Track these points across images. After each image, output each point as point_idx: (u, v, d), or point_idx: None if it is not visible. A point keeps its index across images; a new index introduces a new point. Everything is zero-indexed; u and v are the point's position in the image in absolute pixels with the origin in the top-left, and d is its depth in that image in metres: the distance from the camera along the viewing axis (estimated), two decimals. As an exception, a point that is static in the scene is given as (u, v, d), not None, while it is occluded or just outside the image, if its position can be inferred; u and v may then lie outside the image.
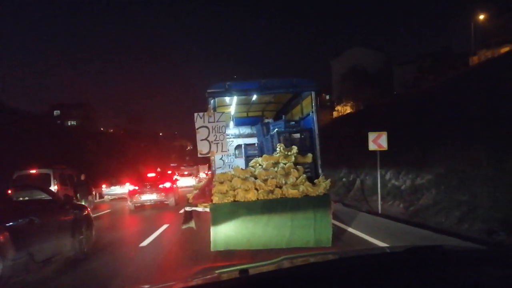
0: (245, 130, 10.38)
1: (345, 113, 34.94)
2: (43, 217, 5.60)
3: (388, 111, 18.81)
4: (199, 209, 6.43)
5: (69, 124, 52.27)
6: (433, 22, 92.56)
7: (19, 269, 4.75)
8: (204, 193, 6.30)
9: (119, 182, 22.10)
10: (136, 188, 15.42)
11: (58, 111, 55.36)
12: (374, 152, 10.38)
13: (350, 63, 37.47)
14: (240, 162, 9.28)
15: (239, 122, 10.50)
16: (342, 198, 13.78)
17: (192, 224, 7.17)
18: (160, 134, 76.95)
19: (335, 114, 40.69)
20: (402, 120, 15.22)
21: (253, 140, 10.21)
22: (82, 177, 13.65)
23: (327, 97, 50.49)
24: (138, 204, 15.23)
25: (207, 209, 6.32)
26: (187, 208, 6.65)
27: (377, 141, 9.92)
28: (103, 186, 22.78)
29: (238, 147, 10.08)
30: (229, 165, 9.51)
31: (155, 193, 15.21)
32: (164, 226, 9.66)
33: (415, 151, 12.10)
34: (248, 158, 9.42)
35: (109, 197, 21.98)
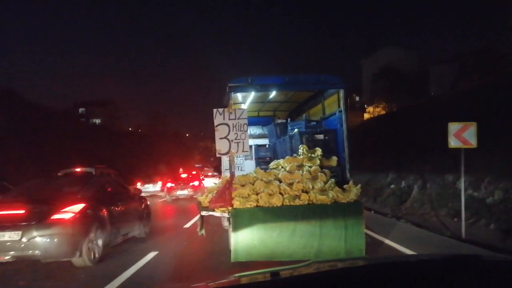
0: (256, 130, 9.82)
1: (378, 114, 33.34)
2: (123, 204, 7.51)
3: (440, 108, 16.32)
4: (217, 214, 5.85)
5: (94, 122, 52.32)
6: (474, 19, 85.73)
7: (112, 239, 6.71)
8: (223, 196, 5.70)
9: (152, 181, 25.27)
10: (173, 185, 20.72)
11: (83, 109, 55.62)
12: (433, 153, 9.17)
13: (382, 63, 36.21)
14: (250, 164, 8.72)
15: (250, 122, 9.88)
16: (394, 210, 11.04)
17: (203, 231, 6.59)
18: (187, 135, 77.94)
19: (366, 116, 39.34)
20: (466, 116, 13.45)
21: (264, 141, 9.67)
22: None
23: (357, 98, 49.38)
24: (174, 198, 20.01)
25: (225, 214, 5.75)
26: (204, 213, 6.05)
27: (461, 135, 7.31)
28: (138, 184, 24.10)
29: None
30: (238, 167, 8.93)
31: (186, 189, 20.26)
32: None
33: (501, 153, 9.21)
34: (258, 160, 8.89)
35: (143, 194, 22.79)
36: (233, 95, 7.10)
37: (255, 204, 5.49)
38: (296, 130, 7.16)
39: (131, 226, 7.63)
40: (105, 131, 41.17)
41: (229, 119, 5.94)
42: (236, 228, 5.34)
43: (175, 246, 7.57)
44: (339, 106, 6.55)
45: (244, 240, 5.33)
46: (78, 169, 13.89)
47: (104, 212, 6.51)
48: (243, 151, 5.99)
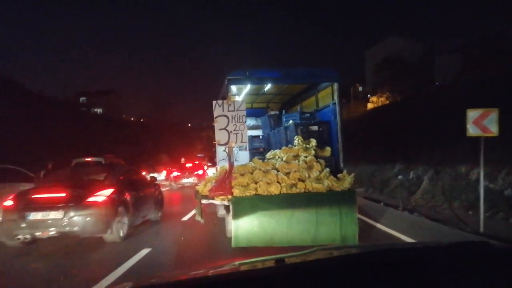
0: (250, 121, 9.99)
1: (382, 104, 32.83)
2: (142, 190, 8.44)
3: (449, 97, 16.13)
4: (217, 202, 6.08)
5: (95, 111, 51.74)
6: (479, 8, 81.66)
7: (133, 220, 7.57)
8: (223, 185, 5.92)
9: (156, 170, 26.58)
10: (179, 174, 22.57)
11: (84, 98, 54.96)
12: (443, 143, 8.81)
13: (386, 53, 35.94)
14: (244, 155, 8.93)
15: None
16: (403, 202, 10.45)
17: (202, 219, 6.81)
18: (189, 125, 77.24)
19: (369, 105, 38.99)
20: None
21: (258, 132, 9.88)
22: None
23: (360, 88, 49.05)
24: (180, 185, 21.61)
25: (225, 203, 5.98)
26: (204, 201, 6.27)
27: (481, 123, 6.67)
28: (143, 173, 24.28)
29: None
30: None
31: (191, 178, 21.79)
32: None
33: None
34: (253, 151, 9.09)
35: None
36: (231, 87, 7.30)
37: (254, 193, 5.73)
38: (291, 121, 7.39)
39: (148, 209, 8.54)
40: (107, 121, 41.13)
41: (228, 111, 6.14)
42: (236, 215, 5.57)
43: (169, 241, 6.95)
44: (333, 99, 6.79)
45: (244, 226, 5.57)
46: (88, 158, 14.40)
47: (128, 196, 7.41)
48: (241, 141, 6.21)
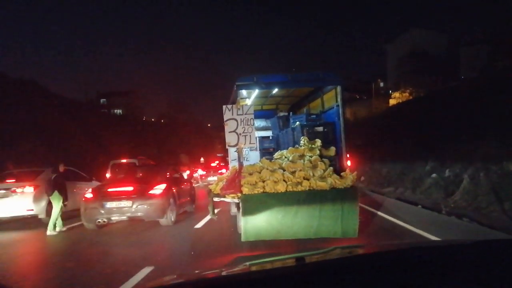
0: (260, 123, 10.46)
1: (408, 99, 31.33)
2: (182, 186, 10.36)
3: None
4: (228, 199, 6.54)
5: (115, 112, 53.48)
6: None
7: (178, 210, 9.26)
8: (233, 184, 6.38)
9: (180, 170, 28.22)
10: (205, 172, 28.03)
11: (105, 99, 56.43)
12: (484, 138, 8.35)
13: (408, 46, 34.74)
14: (255, 155, 9.38)
15: (254, 115, 10.53)
16: (440, 204, 9.57)
17: (215, 216, 7.30)
18: (208, 125, 78.84)
19: (392, 101, 37.70)
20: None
21: (268, 133, 10.30)
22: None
23: (381, 84, 47.89)
24: (206, 183, 23.38)
25: (236, 200, 6.43)
26: (216, 199, 6.75)
27: None
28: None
29: None
30: (244, 158, 9.59)
31: (216, 176, 22.92)
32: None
33: None
34: (262, 151, 9.52)
35: None
36: (240, 92, 7.75)
37: (262, 190, 6.16)
38: (297, 123, 7.79)
39: (187, 202, 10.35)
40: (127, 121, 42.44)
41: (237, 115, 6.59)
42: (245, 212, 6.03)
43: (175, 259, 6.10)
44: (336, 101, 7.16)
45: (253, 222, 6.01)
46: (124, 160, 16.95)
47: (175, 190, 9.26)
48: (250, 143, 6.64)
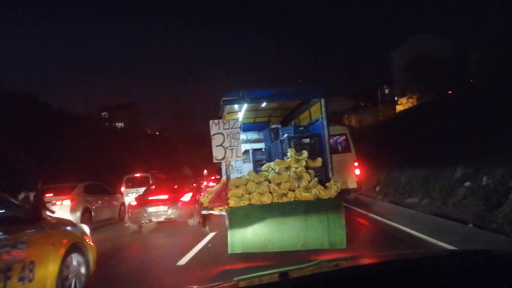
0: (253, 135, 10.65)
1: (422, 102, 30.24)
2: (200, 193, 11.79)
3: None
4: (215, 212, 6.67)
5: (116, 125, 53.39)
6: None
7: (199, 214, 10.09)
8: (220, 197, 6.53)
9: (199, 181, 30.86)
10: (215, 184, 28.49)
11: (106, 112, 56.83)
12: None
13: (414, 52, 34.65)
14: (248, 167, 9.53)
15: (247, 128, 10.77)
16: (482, 219, 8.06)
17: (206, 228, 7.42)
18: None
19: (399, 108, 37.14)
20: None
21: (261, 145, 10.47)
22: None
23: (386, 91, 47.60)
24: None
25: (223, 213, 6.57)
26: (204, 212, 6.89)
27: None
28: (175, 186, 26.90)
29: (246, 152, 10.32)
30: (237, 170, 9.74)
31: None
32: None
33: None
34: (256, 163, 9.66)
35: None
36: (228, 106, 7.95)
37: (248, 203, 6.30)
38: (285, 135, 7.95)
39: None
40: (131, 135, 42.81)
41: (224, 129, 6.76)
42: (231, 224, 6.16)
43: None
44: (321, 113, 7.32)
45: (239, 234, 6.14)
46: (137, 174, 18.61)
47: (196, 197, 10.90)
48: (237, 156, 6.80)
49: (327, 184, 6.53)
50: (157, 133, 61.80)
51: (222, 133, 6.75)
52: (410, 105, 33.45)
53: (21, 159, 17.59)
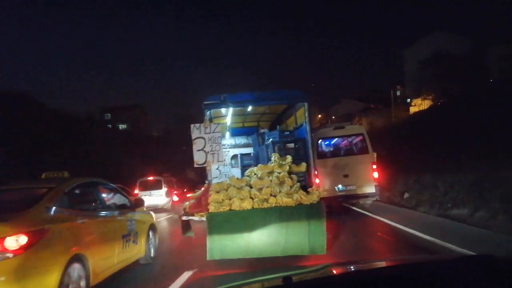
0: (241, 140, 10.55)
1: (437, 104, 29.82)
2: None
3: None
4: (196, 218, 6.55)
5: (119, 127, 53.27)
6: None
7: None
8: (200, 202, 6.43)
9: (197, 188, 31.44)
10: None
11: (109, 114, 56.34)
12: None
13: (430, 50, 33.54)
14: (236, 172, 9.43)
15: (235, 133, 10.68)
16: None
17: (191, 233, 7.29)
18: None
19: (413, 109, 35.94)
20: None
21: (249, 150, 10.36)
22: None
23: (398, 93, 46.28)
24: None
25: (203, 219, 6.44)
26: (184, 218, 6.77)
27: None
28: (185, 190, 26.99)
29: (234, 157, 10.23)
30: (225, 175, 9.61)
31: None
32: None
33: None
34: (244, 168, 9.55)
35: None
36: (214, 111, 7.87)
37: (228, 208, 6.18)
38: (270, 139, 7.86)
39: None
40: (135, 137, 42.73)
41: (205, 133, 6.67)
42: (210, 230, 6.03)
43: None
44: (305, 118, 7.23)
45: (218, 240, 6.01)
46: (150, 178, 19.62)
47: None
48: (218, 161, 6.70)
49: (309, 189, 6.41)
50: (161, 135, 61.57)
51: (203, 138, 6.66)
52: (425, 106, 32.39)
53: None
